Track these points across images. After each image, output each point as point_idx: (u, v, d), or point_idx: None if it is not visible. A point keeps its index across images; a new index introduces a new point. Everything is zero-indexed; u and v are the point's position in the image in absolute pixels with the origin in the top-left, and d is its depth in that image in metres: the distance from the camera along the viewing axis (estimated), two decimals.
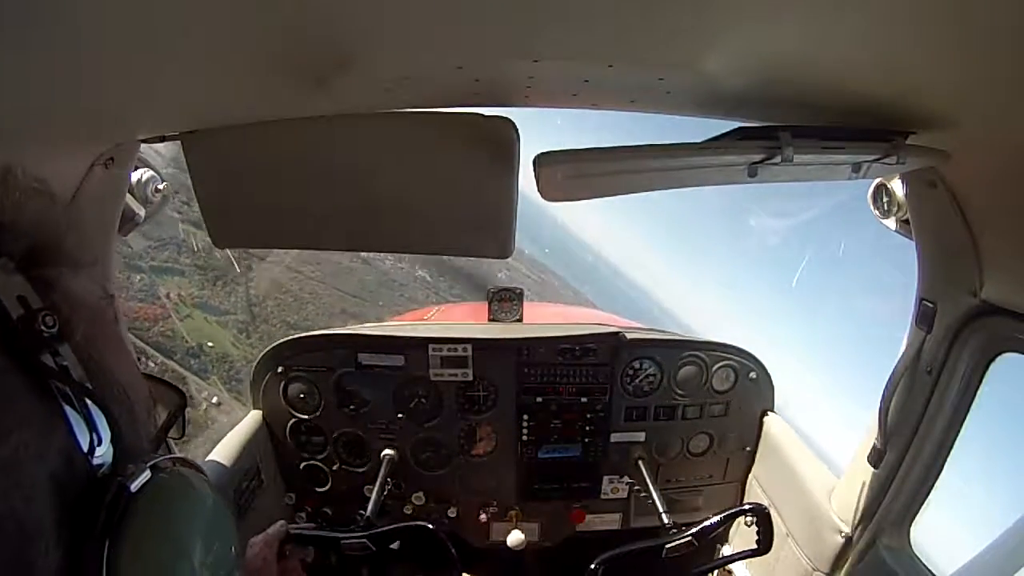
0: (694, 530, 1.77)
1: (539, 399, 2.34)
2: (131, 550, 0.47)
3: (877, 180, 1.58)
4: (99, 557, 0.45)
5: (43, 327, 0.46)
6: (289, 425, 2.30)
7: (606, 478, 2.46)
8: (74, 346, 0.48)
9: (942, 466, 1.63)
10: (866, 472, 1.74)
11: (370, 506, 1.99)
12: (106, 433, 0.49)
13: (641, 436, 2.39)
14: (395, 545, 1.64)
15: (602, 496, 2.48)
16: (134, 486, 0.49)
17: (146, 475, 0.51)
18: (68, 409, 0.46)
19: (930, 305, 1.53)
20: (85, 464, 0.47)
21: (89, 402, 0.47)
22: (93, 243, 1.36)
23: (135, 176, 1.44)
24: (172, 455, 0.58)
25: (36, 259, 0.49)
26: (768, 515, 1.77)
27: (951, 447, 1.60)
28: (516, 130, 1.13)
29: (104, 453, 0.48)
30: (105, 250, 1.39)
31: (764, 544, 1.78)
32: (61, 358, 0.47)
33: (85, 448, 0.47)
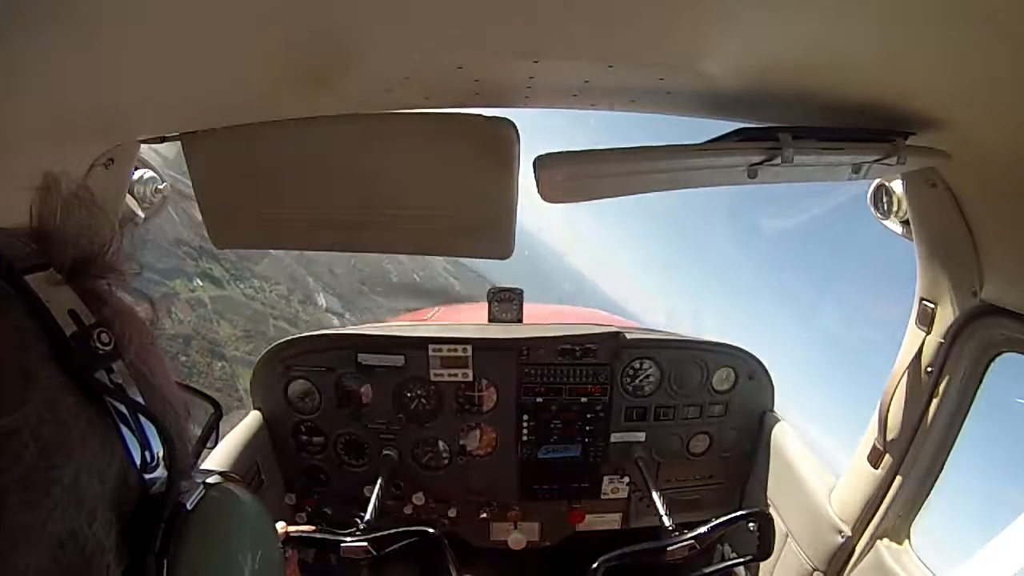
0: (695, 533, 1.76)
1: (539, 399, 2.33)
2: (189, 566, 0.47)
3: (877, 181, 1.58)
4: (159, 575, 0.45)
5: (99, 345, 0.44)
6: (289, 425, 2.30)
7: (606, 478, 2.45)
8: (127, 361, 0.47)
9: (942, 466, 1.63)
10: (866, 472, 1.74)
11: (370, 507, 1.98)
12: (159, 449, 0.48)
13: (641, 436, 2.39)
14: (395, 547, 1.64)
15: (602, 496, 2.48)
16: (190, 504, 0.49)
17: (200, 492, 0.51)
18: (123, 426, 0.45)
19: (930, 305, 1.52)
20: (140, 481, 0.47)
21: (142, 418, 0.47)
22: None
23: (135, 176, 1.44)
24: (218, 470, 0.58)
25: (84, 269, 0.47)
26: (770, 520, 1.77)
27: (951, 447, 1.60)
28: (516, 131, 1.13)
29: (157, 469, 0.48)
30: None
31: (764, 550, 1.77)
32: (116, 375, 0.45)
33: (139, 465, 0.46)
